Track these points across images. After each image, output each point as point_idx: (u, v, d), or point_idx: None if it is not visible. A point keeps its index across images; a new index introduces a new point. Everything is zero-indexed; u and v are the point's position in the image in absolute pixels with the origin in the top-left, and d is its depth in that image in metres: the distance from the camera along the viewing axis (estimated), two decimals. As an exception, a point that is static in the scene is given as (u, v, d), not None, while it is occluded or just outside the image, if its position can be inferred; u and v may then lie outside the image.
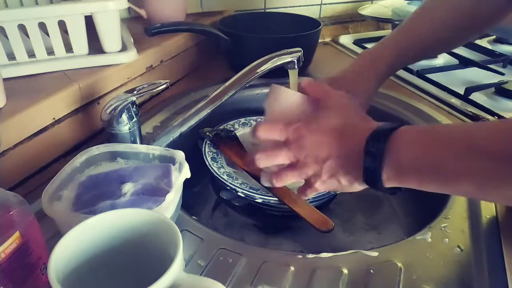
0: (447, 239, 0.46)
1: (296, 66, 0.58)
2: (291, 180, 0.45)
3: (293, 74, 0.59)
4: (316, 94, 0.46)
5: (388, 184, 0.39)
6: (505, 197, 0.34)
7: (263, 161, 0.45)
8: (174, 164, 0.48)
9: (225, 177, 0.60)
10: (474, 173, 0.33)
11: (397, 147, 0.37)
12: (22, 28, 0.60)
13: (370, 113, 0.75)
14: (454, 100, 0.77)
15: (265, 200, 0.57)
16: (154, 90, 0.53)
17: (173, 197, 0.42)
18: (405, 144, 0.37)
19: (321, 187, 0.44)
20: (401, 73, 0.89)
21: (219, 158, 0.65)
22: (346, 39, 1.13)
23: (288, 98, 0.48)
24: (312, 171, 0.43)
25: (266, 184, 0.49)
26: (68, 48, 0.65)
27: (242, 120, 0.74)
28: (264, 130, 0.44)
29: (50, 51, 0.63)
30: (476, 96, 0.77)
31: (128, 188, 0.44)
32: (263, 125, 0.44)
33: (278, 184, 0.46)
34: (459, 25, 0.57)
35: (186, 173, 0.46)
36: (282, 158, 0.44)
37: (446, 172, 0.35)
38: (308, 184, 0.45)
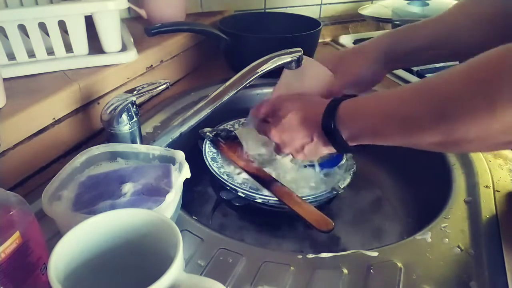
0: (447, 239, 0.46)
1: (296, 66, 0.58)
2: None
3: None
4: (267, 110, 0.55)
5: (352, 143, 0.47)
6: (429, 144, 0.41)
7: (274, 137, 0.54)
8: (174, 164, 0.48)
9: (225, 177, 0.60)
10: (400, 132, 0.42)
11: (344, 120, 0.46)
12: (22, 28, 0.60)
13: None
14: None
15: (265, 200, 0.57)
16: (154, 90, 0.53)
17: (173, 197, 0.42)
18: (345, 115, 0.46)
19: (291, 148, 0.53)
20: (401, 73, 0.89)
21: (219, 158, 0.65)
22: (346, 39, 1.13)
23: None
24: (300, 158, 0.53)
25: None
26: (68, 48, 0.65)
27: (242, 120, 0.74)
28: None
29: (50, 51, 0.63)
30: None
31: (128, 188, 0.44)
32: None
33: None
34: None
35: (186, 173, 0.46)
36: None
37: (383, 135, 0.44)
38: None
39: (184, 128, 0.60)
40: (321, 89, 0.59)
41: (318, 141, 0.49)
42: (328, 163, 0.63)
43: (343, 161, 0.65)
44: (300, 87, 0.59)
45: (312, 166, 0.63)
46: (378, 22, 1.20)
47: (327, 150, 0.50)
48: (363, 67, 0.59)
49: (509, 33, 0.51)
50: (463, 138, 0.36)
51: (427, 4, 1.05)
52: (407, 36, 0.58)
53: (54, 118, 0.56)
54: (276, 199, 0.56)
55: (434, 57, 0.58)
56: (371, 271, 0.42)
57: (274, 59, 0.56)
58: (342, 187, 0.59)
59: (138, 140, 0.57)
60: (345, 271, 0.42)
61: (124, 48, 0.70)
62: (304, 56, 0.57)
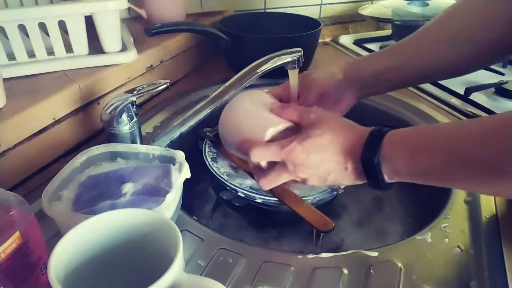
0: (447, 239, 0.46)
1: (296, 66, 0.57)
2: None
3: (293, 74, 0.59)
4: (291, 118, 0.46)
5: (392, 181, 0.41)
6: (495, 192, 0.38)
7: (267, 187, 0.46)
8: (174, 164, 0.48)
9: (225, 177, 0.60)
10: (460, 176, 0.36)
11: (388, 151, 0.39)
12: (22, 28, 0.60)
13: (371, 113, 0.76)
14: (454, 100, 0.77)
15: (265, 200, 0.57)
16: (154, 90, 0.53)
17: (173, 197, 0.42)
18: (393, 149, 0.39)
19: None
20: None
21: (219, 158, 0.65)
22: (346, 39, 1.13)
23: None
24: (316, 183, 0.45)
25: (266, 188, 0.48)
26: (68, 48, 0.65)
27: (242, 120, 0.74)
28: (258, 155, 0.44)
29: (50, 51, 0.64)
30: (476, 96, 0.77)
31: (128, 188, 0.44)
32: (256, 149, 0.44)
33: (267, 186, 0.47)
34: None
35: (186, 173, 0.46)
36: (286, 179, 0.45)
37: (435, 176, 0.38)
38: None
39: (184, 128, 0.60)
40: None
41: (351, 172, 0.42)
42: None
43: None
44: None
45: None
46: (378, 22, 1.20)
47: (357, 182, 0.43)
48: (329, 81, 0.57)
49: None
50: None
51: (427, 4, 1.05)
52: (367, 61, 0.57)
53: (54, 118, 0.56)
54: (276, 199, 0.56)
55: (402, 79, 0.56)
56: (371, 271, 0.42)
57: (274, 59, 0.56)
58: (342, 187, 0.59)
59: (138, 140, 0.57)
60: (345, 271, 0.42)
61: (124, 48, 0.70)
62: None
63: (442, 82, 0.82)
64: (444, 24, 0.54)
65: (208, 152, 0.65)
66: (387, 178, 0.40)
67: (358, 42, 1.09)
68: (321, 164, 0.42)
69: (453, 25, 0.52)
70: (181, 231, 0.31)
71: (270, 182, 0.45)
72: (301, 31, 0.84)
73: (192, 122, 0.60)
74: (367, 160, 0.40)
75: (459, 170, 0.36)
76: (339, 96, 0.57)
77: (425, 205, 0.59)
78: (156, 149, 0.50)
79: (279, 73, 0.60)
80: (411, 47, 0.55)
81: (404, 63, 0.54)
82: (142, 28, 0.73)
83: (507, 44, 0.49)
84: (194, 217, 0.50)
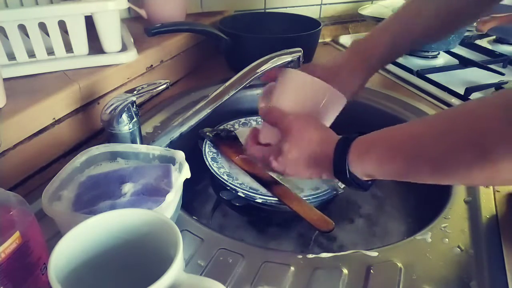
0: (447, 239, 0.46)
1: (296, 66, 0.57)
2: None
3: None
4: (271, 121, 0.50)
5: (367, 179, 0.43)
6: (458, 181, 0.41)
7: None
8: (174, 164, 0.48)
9: (225, 177, 0.60)
10: (433, 172, 0.37)
11: (359, 162, 0.42)
12: (22, 28, 0.60)
13: (369, 113, 0.76)
14: (454, 100, 0.77)
15: (265, 200, 0.57)
16: (154, 90, 0.53)
17: (173, 197, 0.42)
18: (364, 159, 0.41)
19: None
20: (401, 73, 0.89)
21: (219, 158, 0.65)
22: (346, 39, 1.13)
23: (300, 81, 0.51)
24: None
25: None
26: (68, 48, 0.65)
27: (242, 120, 0.74)
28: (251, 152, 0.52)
29: (50, 51, 0.63)
30: (476, 96, 0.77)
31: (128, 188, 0.44)
32: (249, 150, 0.53)
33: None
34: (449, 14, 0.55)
35: (186, 173, 0.46)
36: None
37: (403, 174, 0.40)
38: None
39: (184, 128, 0.60)
40: (319, 106, 0.51)
41: (330, 177, 0.45)
42: None
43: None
44: (295, 105, 0.51)
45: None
46: (378, 22, 1.20)
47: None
48: (356, 84, 0.57)
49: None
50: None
51: (427, 4, 1.05)
52: (401, 38, 0.56)
53: (54, 118, 0.56)
54: (276, 199, 0.56)
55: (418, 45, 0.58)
56: (371, 271, 0.42)
57: (274, 59, 0.56)
58: (342, 187, 0.59)
59: (138, 140, 0.57)
60: (345, 271, 0.42)
61: (124, 48, 0.70)
62: (299, 72, 0.51)
63: (442, 82, 0.82)
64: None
65: (208, 152, 0.65)
66: (362, 179, 0.43)
67: (358, 42, 1.09)
68: (299, 175, 0.47)
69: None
70: (181, 231, 0.31)
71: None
72: (301, 31, 0.84)
73: (192, 122, 0.60)
74: (338, 171, 0.42)
75: (423, 167, 0.38)
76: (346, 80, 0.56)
77: (425, 205, 0.59)
78: (156, 149, 0.50)
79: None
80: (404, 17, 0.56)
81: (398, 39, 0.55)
82: (142, 28, 0.73)
83: None
84: (194, 217, 0.50)
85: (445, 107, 0.75)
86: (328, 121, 0.53)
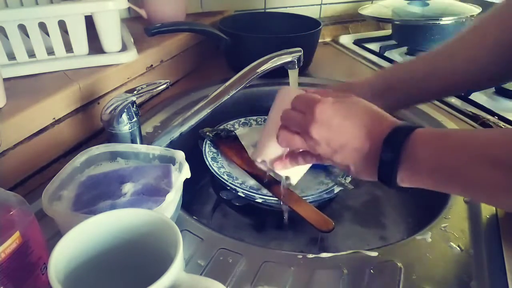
0: (447, 239, 0.46)
1: (296, 66, 0.58)
2: (296, 146, 0.44)
3: (293, 74, 0.59)
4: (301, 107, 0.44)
5: (402, 184, 0.38)
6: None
7: (280, 140, 0.44)
8: (174, 164, 0.48)
9: (225, 177, 0.60)
10: (485, 181, 0.33)
11: (415, 149, 0.36)
12: (22, 28, 0.60)
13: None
14: (454, 100, 0.77)
15: (265, 200, 0.57)
16: (154, 90, 0.53)
17: (173, 197, 0.42)
18: (421, 146, 0.36)
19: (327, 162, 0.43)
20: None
21: (219, 158, 0.65)
22: (346, 39, 1.13)
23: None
24: (321, 152, 0.41)
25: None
26: (68, 48, 0.65)
27: (242, 120, 0.74)
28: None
29: (50, 51, 0.64)
30: (476, 96, 0.77)
31: (128, 188, 0.44)
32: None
33: (281, 141, 0.44)
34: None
35: (186, 173, 0.46)
36: (297, 132, 0.43)
37: (459, 177, 0.35)
38: (311, 155, 0.45)
39: (184, 128, 0.60)
40: None
41: (364, 156, 0.39)
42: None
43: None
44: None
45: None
46: (378, 22, 1.20)
47: (362, 172, 0.40)
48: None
49: None
50: None
51: (427, 4, 1.05)
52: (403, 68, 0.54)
53: (54, 118, 0.56)
54: (276, 199, 0.56)
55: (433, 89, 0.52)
56: (371, 271, 0.42)
57: (274, 59, 0.56)
58: (348, 181, 0.59)
59: (138, 140, 0.57)
60: (345, 271, 0.42)
61: (124, 48, 0.70)
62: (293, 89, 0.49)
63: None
64: (481, 29, 0.50)
65: (208, 152, 0.65)
66: (400, 178, 0.37)
67: (358, 42, 1.09)
68: (341, 130, 0.39)
69: (492, 28, 0.49)
70: (181, 231, 0.31)
71: (283, 135, 0.44)
72: (301, 31, 0.84)
73: (192, 122, 0.60)
74: (390, 143, 0.37)
75: (485, 173, 0.33)
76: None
77: (425, 205, 0.59)
78: (156, 149, 0.50)
79: (279, 73, 0.60)
80: (444, 55, 0.52)
81: (438, 71, 0.51)
82: (142, 28, 0.73)
83: None
84: (194, 217, 0.50)
85: (445, 107, 0.75)
86: None
